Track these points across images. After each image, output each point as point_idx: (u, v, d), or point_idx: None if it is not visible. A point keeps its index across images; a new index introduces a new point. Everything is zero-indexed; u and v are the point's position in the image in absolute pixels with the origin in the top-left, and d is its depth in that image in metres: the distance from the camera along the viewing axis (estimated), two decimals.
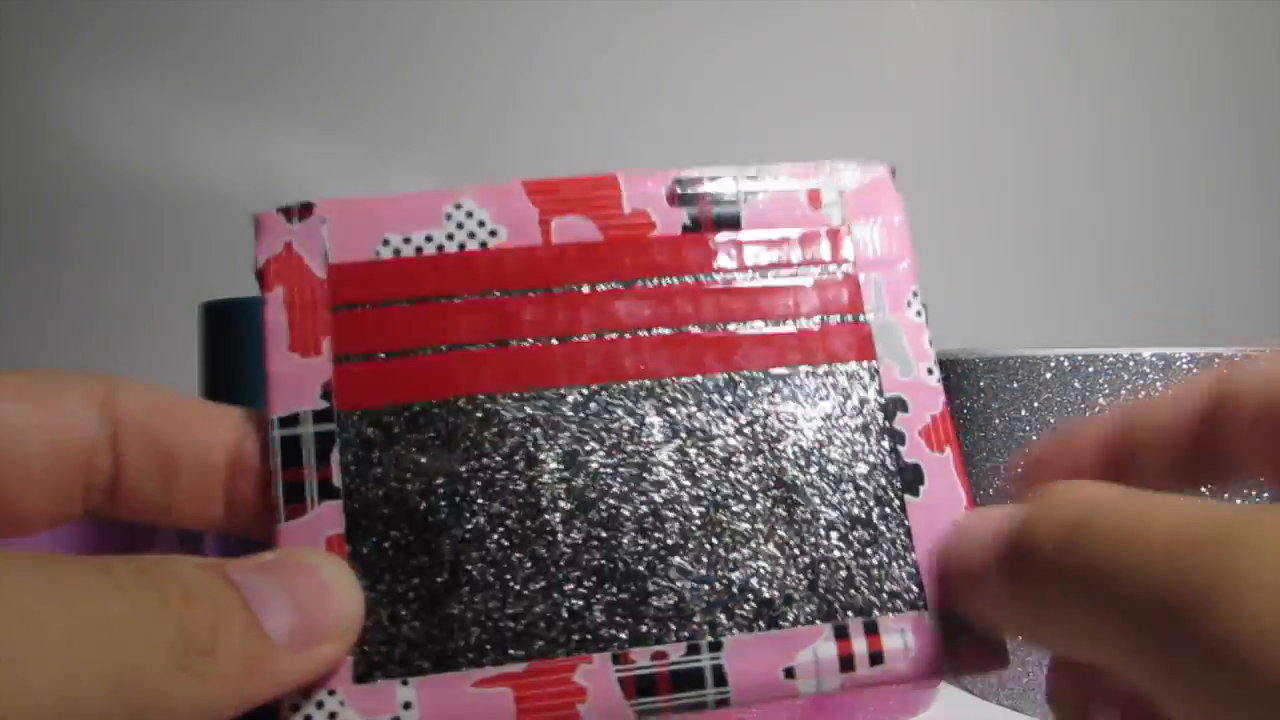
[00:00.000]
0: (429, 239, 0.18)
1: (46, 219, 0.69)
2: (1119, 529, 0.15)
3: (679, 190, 0.20)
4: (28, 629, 0.12)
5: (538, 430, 0.18)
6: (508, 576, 0.17)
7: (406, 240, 0.18)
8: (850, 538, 0.18)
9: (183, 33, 0.69)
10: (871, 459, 0.19)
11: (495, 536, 0.17)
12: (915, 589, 0.18)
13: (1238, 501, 0.13)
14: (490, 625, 0.17)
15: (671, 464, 0.18)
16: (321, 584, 0.16)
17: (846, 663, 0.17)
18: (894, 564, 0.18)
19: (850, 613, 0.17)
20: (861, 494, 0.18)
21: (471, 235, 0.19)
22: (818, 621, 0.17)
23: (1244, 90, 0.76)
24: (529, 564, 0.17)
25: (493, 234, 0.19)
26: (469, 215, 0.19)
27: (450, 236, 0.19)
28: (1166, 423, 0.20)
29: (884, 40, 0.74)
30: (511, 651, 0.17)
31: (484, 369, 0.18)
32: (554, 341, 0.18)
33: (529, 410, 0.18)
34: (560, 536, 0.17)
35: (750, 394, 0.18)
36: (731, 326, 0.19)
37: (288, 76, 0.70)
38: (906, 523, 0.18)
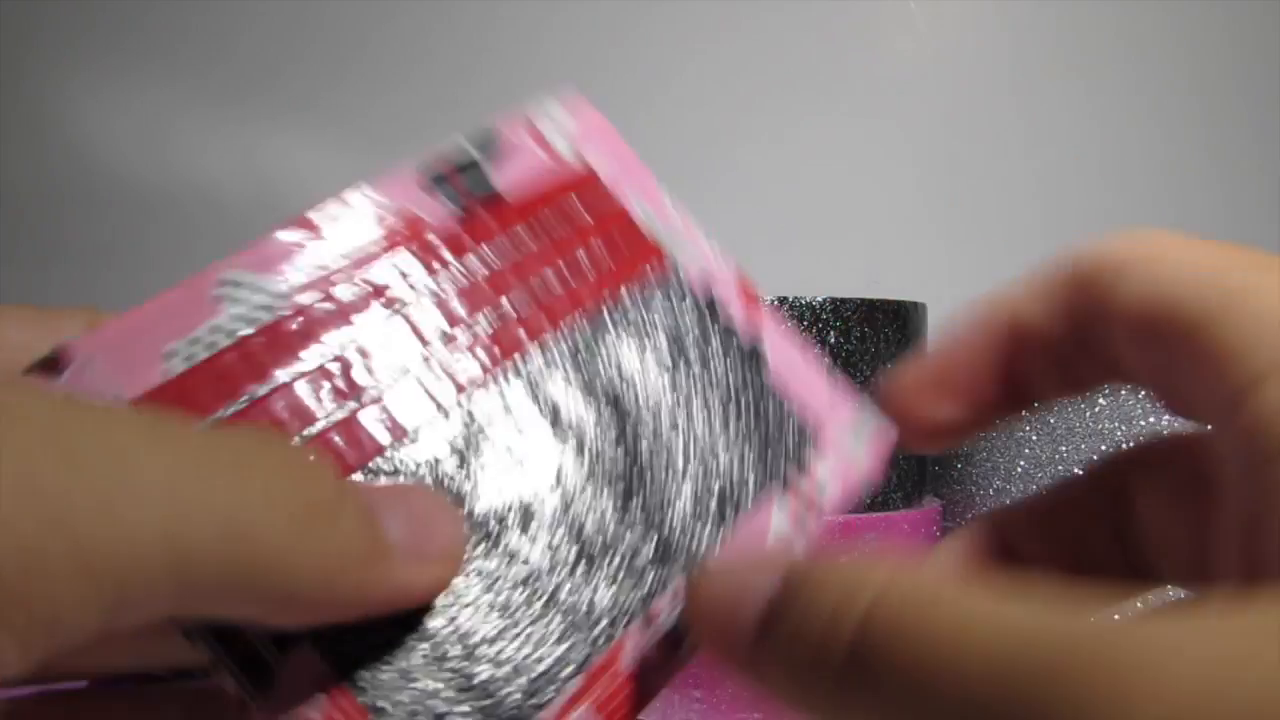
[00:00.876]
0: (215, 329, 0.16)
1: (46, 219, 0.69)
2: (941, 632, 0.12)
3: (428, 177, 0.19)
4: (124, 466, 0.11)
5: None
6: (508, 624, 0.16)
7: (193, 342, 0.16)
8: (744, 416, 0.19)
9: (182, 33, 0.69)
10: (719, 345, 0.20)
11: (473, 592, 0.16)
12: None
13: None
14: (522, 668, 0.16)
15: (572, 433, 0.18)
16: (435, 504, 0.16)
17: (803, 517, 0.19)
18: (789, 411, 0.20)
19: (787, 465, 0.19)
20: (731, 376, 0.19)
21: (261, 307, 0.16)
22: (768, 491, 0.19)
23: (1248, 90, 0.76)
24: (525, 605, 0.16)
25: (279, 297, 0.16)
26: (238, 286, 0.17)
27: (239, 317, 0.16)
28: (1039, 328, 0.19)
29: (883, 39, 0.74)
30: (560, 675, 0.16)
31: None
32: (398, 376, 0.17)
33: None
34: (529, 556, 0.17)
35: (593, 343, 0.19)
36: (541, 294, 0.19)
37: (287, 77, 0.70)
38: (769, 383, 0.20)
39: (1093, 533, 0.20)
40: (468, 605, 0.16)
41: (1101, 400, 0.39)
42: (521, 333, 0.18)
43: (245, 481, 0.12)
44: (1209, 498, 0.17)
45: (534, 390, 0.18)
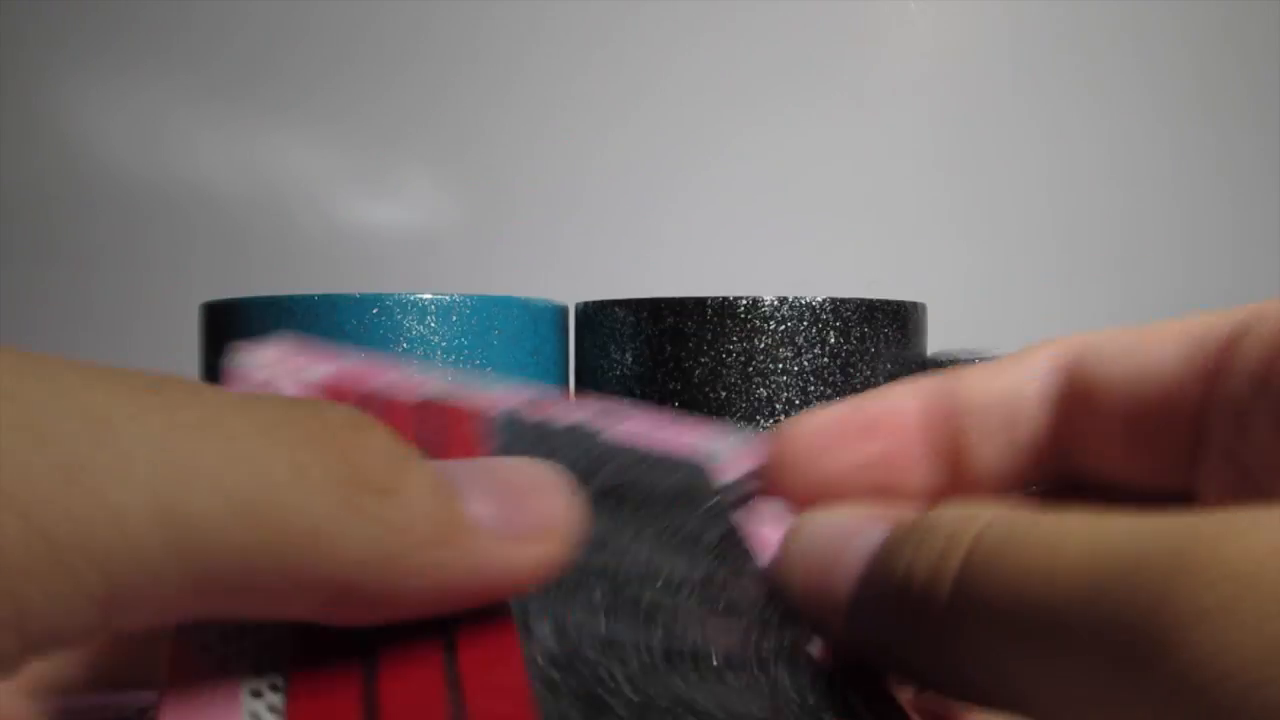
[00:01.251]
0: None
1: (46, 219, 0.69)
2: (1036, 551, 0.12)
3: None
4: (103, 433, 0.10)
5: None
6: None
7: None
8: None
9: (178, 32, 0.69)
10: None
11: None
12: None
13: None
14: None
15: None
16: (535, 474, 0.13)
17: None
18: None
19: None
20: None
21: None
22: None
23: (1252, 89, 0.76)
24: None
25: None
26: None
27: None
28: (1004, 403, 0.17)
29: (884, 39, 0.74)
30: None
31: None
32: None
33: None
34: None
35: None
36: None
37: (283, 75, 0.70)
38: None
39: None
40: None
41: None
42: None
43: (266, 449, 0.11)
44: None
45: None
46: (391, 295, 0.38)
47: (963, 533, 0.13)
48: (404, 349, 0.38)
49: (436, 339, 0.38)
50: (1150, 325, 0.17)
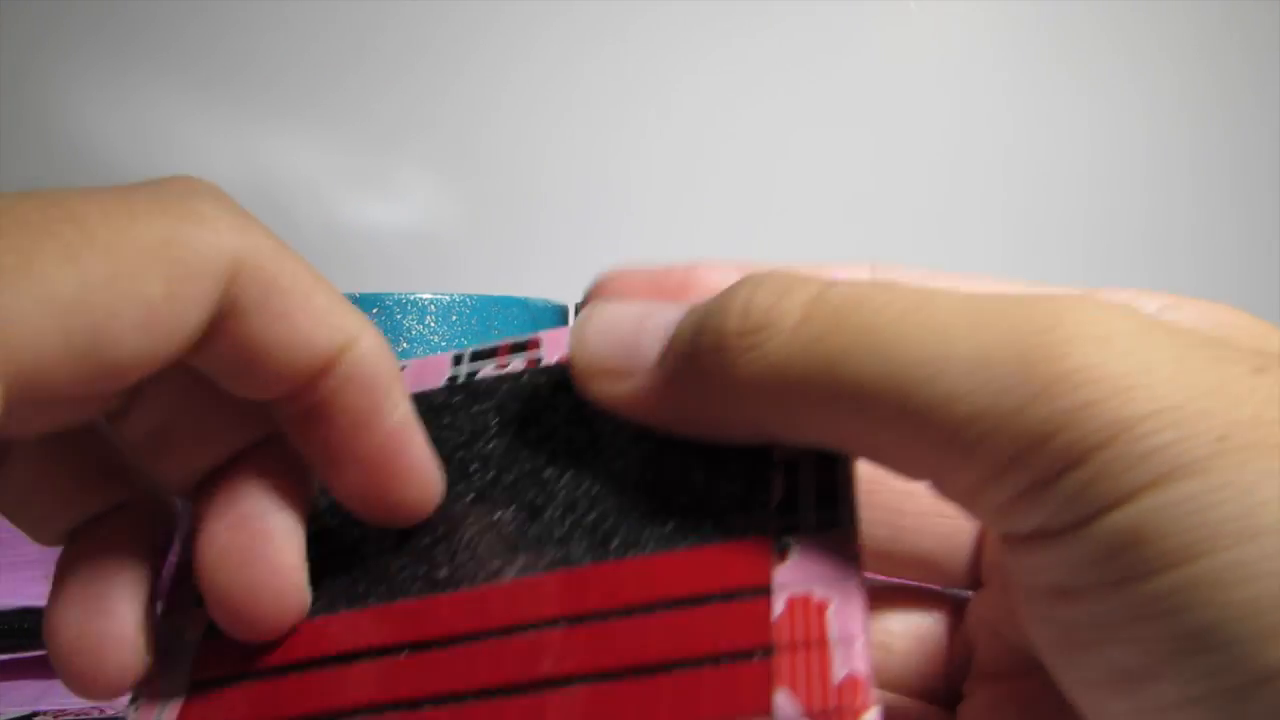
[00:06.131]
0: None
1: None
2: (906, 303, 0.13)
3: None
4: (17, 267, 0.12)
5: None
6: None
7: None
8: None
9: (181, 32, 0.69)
10: None
11: None
12: None
13: None
14: None
15: None
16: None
17: None
18: None
19: None
20: None
21: None
22: None
23: (1250, 89, 0.76)
24: None
25: None
26: None
27: None
28: None
29: (884, 39, 0.74)
30: None
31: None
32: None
33: None
34: None
35: None
36: None
37: (287, 76, 0.70)
38: None
39: None
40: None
41: None
42: None
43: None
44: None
45: None
46: (391, 295, 0.38)
47: (803, 285, 0.14)
48: (404, 348, 0.38)
49: (436, 339, 0.38)
50: None
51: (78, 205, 0.13)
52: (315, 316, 0.15)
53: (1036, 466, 0.12)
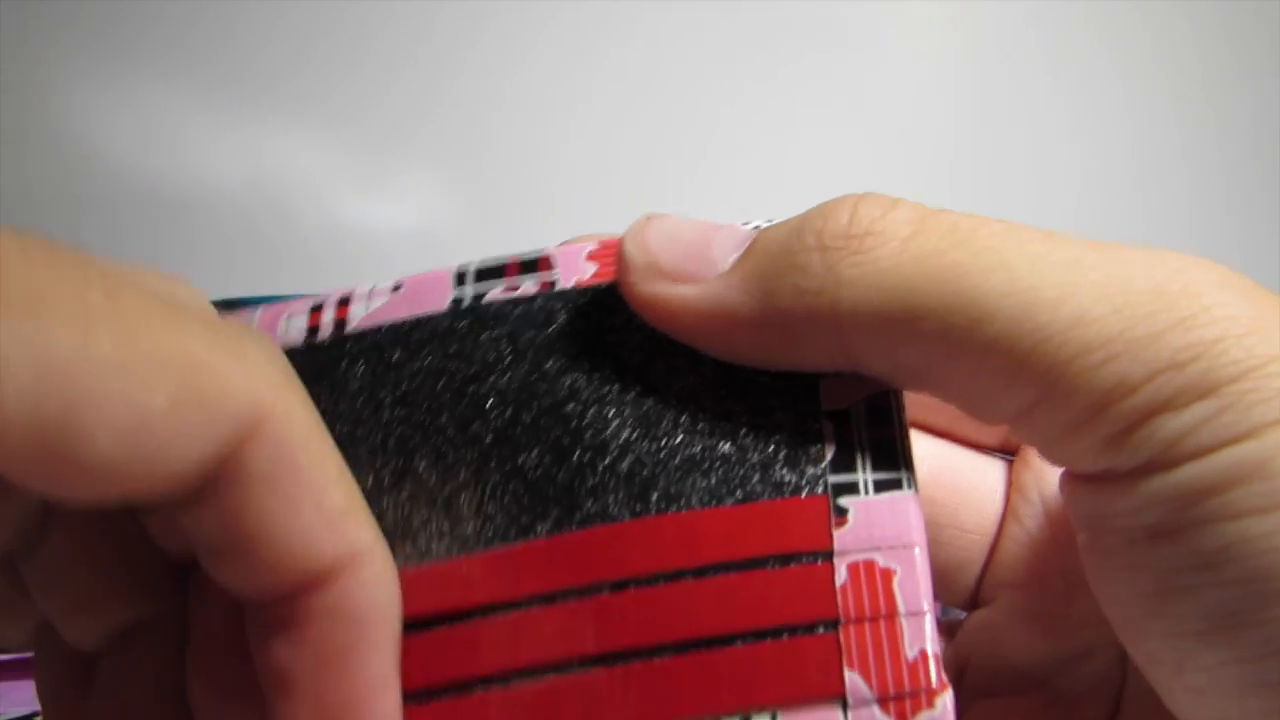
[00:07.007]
0: None
1: (47, 218, 0.69)
2: (1027, 232, 0.15)
3: None
4: None
5: None
6: None
7: None
8: None
9: (182, 33, 0.69)
10: None
11: None
12: None
13: None
14: None
15: None
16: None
17: None
18: None
19: None
20: None
21: None
22: None
23: (1249, 89, 0.76)
24: None
25: None
26: None
27: None
28: None
29: (884, 39, 0.74)
30: None
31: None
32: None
33: None
34: None
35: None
36: None
37: (288, 76, 0.70)
38: None
39: None
40: None
41: None
42: None
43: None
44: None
45: None
46: None
47: (909, 203, 0.15)
48: None
49: None
50: None
51: (118, 279, 0.12)
52: (326, 516, 0.12)
53: (1165, 393, 0.12)
